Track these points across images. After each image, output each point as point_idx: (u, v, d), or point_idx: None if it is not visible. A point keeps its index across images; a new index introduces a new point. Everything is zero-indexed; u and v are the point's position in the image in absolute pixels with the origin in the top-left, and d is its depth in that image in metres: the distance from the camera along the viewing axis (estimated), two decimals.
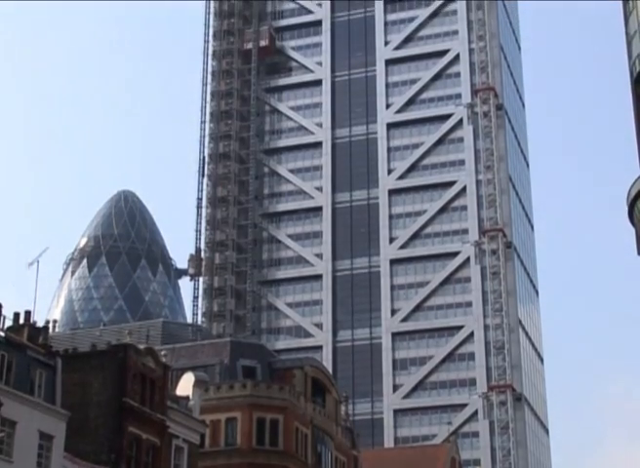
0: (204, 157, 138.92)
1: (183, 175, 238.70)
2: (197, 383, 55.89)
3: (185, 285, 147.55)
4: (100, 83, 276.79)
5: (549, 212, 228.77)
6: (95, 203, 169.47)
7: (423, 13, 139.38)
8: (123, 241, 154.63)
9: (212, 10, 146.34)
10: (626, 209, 38.36)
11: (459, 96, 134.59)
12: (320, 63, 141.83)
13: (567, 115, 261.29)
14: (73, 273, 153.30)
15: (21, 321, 48.17)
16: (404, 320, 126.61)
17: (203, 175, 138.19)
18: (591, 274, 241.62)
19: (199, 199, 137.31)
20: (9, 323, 47.63)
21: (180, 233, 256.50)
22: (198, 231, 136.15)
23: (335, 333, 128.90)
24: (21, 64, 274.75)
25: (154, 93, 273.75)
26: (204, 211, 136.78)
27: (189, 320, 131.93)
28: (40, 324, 51.35)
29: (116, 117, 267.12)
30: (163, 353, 54.51)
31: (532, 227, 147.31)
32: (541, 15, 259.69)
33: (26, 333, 47.45)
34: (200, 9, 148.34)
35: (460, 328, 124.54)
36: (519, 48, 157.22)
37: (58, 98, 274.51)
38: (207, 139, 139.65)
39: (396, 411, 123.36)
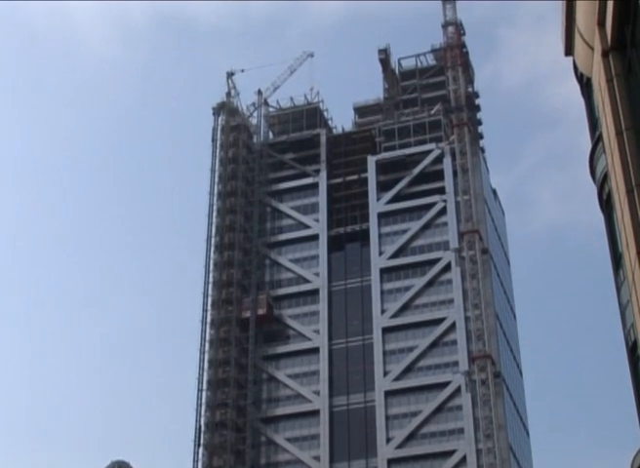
0: (200, 426, 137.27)
1: (179, 445, 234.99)
2: None
3: None
4: (90, 315, 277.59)
5: None
6: None
7: (419, 282, 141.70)
8: None
9: (210, 279, 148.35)
10: None
11: (456, 363, 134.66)
12: (317, 331, 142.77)
13: (564, 381, 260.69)
14: None
15: None
16: None
17: (199, 445, 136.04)
18: None
19: None
20: None
21: None
22: None
23: None
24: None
25: (152, 356, 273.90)
26: None
27: None
28: None
29: (111, 370, 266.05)
30: None
31: None
32: (535, 282, 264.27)
33: None
34: (199, 279, 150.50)
35: None
36: (514, 315, 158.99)
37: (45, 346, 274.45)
38: (203, 408, 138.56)
39: None
